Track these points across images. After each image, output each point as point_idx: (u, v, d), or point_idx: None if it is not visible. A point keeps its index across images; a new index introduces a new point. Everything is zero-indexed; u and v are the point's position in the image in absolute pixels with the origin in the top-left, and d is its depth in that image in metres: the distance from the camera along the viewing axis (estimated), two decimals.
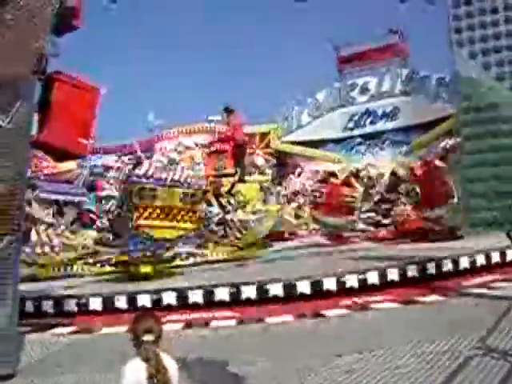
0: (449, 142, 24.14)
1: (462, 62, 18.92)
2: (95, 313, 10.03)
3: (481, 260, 11.68)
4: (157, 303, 9.93)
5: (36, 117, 7.48)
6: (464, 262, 11.39)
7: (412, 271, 10.74)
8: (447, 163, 22.32)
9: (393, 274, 10.56)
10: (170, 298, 10.02)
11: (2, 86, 6.93)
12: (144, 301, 9.99)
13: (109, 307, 10.07)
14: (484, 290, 9.84)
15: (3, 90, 6.88)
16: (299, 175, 31.90)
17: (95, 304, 10.13)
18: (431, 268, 10.96)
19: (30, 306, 10.13)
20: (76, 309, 10.13)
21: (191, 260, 15.78)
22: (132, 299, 10.08)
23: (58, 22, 7.16)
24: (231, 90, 75.38)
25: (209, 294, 10.07)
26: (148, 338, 3.46)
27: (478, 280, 10.83)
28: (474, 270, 11.36)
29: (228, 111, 22.67)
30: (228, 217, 20.35)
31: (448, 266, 11.15)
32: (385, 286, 10.37)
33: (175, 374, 3.51)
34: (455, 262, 11.28)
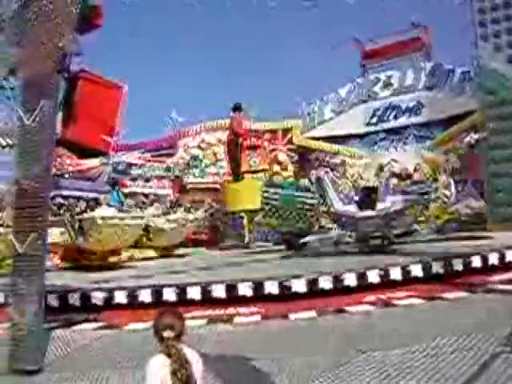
0: (473, 137, 23.92)
1: (487, 56, 18.69)
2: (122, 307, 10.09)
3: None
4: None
5: (60, 115, 7.58)
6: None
7: (436, 267, 10.64)
8: (472, 157, 22.13)
9: (416, 271, 10.49)
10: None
11: (26, 85, 7.03)
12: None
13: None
14: (510, 287, 9.73)
15: (28, 88, 6.98)
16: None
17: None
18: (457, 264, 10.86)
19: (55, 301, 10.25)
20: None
21: None
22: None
23: (80, 20, 7.23)
24: (253, 86, 75.73)
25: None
26: (168, 334, 3.51)
27: (504, 276, 10.69)
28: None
29: (234, 109, 22.54)
30: None
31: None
32: (408, 281, 10.30)
33: (200, 369, 3.53)
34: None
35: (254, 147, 33.45)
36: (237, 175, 23.80)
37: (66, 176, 24.94)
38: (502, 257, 11.38)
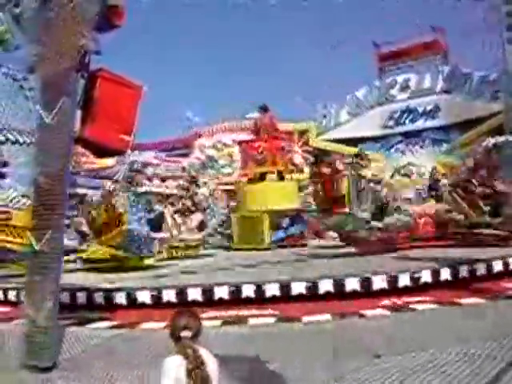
0: (491, 141, 23.74)
1: None
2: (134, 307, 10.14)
3: None
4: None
5: (79, 113, 7.61)
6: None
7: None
8: (490, 162, 21.90)
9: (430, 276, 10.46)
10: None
11: (46, 83, 7.06)
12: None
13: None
14: None
15: (47, 87, 7.00)
16: None
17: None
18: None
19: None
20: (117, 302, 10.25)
21: None
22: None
23: (100, 19, 7.26)
24: (253, 86, 75.85)
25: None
26: (186, 334, 3.50)
27: None
28: None
29: (262, 110, 22.47)
30: None
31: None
32: (424, 286, 10.25)
33: (215, 369, 3.53)
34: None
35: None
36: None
37: (82, 174, 25.11)
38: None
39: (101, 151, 9.11)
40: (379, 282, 10.04)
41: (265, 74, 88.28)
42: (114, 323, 9.23)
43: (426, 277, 10.35)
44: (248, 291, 9.93)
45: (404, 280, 10.18)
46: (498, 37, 20.71)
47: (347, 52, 62.12)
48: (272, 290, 9.93)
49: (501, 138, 22.20)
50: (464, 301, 9.21)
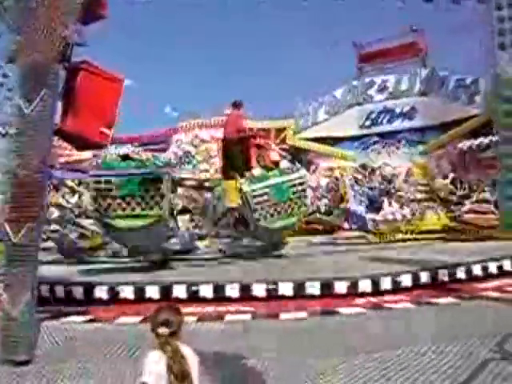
0: (466, 144, 24.05)
1: (505, 65, 18.60)
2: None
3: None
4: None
5: (59, 105, 7.52)
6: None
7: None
8: (464, 164, 22.22)
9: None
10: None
11: (26, 74, 6.97)
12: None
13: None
14: (501, 294, 9.78)
15: (28, 77, 6.92)
16: (314, 172, 31.96)
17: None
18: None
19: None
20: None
21: None
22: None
23: (84, 10, 7.18)
24: (253, 86, 75.90)
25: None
26: (163, 330, 3.52)
27: (494, 283, 10.76)
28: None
29: (234, 106, 22.25)
30: None
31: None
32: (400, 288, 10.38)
33: (195, 365, 3.55)
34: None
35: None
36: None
37: (58, 167, 24.88)
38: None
39: (81, 144, 9.02)
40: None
41: (265, 73, 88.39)
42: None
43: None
44: None
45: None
46: (489, 41, 20.76)
47: (347, 52, 62.14)
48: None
49: (476, 141, 22.55)
50: (438, 300, 9.34)
